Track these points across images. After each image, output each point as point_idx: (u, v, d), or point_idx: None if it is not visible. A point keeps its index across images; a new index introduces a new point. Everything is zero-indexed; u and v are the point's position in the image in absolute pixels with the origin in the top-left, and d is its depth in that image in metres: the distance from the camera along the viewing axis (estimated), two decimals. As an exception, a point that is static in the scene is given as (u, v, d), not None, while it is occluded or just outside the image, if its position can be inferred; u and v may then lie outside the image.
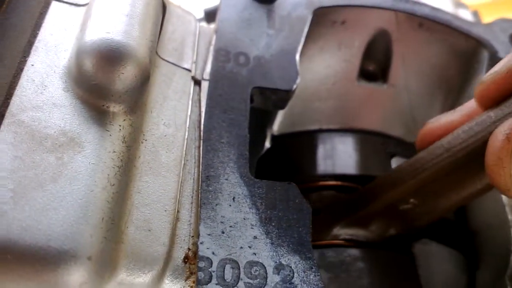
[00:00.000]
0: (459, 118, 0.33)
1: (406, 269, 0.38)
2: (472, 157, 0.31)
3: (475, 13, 0.60)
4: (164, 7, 0.34)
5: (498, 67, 0.30)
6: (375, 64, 0.49)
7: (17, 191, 0.24)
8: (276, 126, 0.48)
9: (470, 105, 0.34)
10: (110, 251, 0.25)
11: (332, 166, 0.45)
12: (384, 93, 0.48)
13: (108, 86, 0.28)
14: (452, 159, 0.32)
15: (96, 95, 0.28)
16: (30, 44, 0.29)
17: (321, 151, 0.46)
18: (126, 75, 0.28)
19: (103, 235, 0.24)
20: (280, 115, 0.47)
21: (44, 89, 0.28)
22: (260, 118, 0.43)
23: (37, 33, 0.30)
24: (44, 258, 0.23)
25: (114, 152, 0.27)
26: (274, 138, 0.47)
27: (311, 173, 0.45)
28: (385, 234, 0.39)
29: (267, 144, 0.47)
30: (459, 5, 0.61)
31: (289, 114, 0.47)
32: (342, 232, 0.39)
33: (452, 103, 0.47)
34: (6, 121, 0.26)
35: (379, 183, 0.38)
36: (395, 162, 0.44)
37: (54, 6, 0.32)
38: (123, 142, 0.28)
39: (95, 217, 0.24)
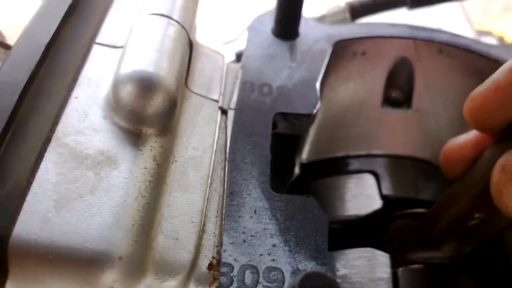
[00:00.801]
0: (474, 136, 0.34)
1: None
2: None
3: (501, 39, 0.62)
4: (191, 44, 0.38)
5: (487, 80, 0.30)
6: (399, 91, 0.50)
7: (59, 201, 0.27)
8: (304, 155, 0.50)
9: None
10: (140, 254, 0.27)
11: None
12: (410, 118, 0.50)
13: (140, 111, 0.31)
14: None
15: (130, 120, 0.32)
16: (74, 80, 0.34)
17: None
18: (156, 101, 0.32)
19: (134, 239, 0.27)
20: (308, 144, 0.50)
21: (86, 117, 0.32)
22: (287, 146, 0.45)
23: (81, 71, 0.35)
24: (80, 258, 0.26)
25: (146, 168, 0.30)
26: (302, 166, 0.49)
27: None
28: (460, 252, 0.39)
29: (297, 171, 0.49)
30: (483, 33, 0.63)
31: (316, 142, 0.50)
32: (416, 256, 0.40)
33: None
34: (52, 144, 0.30)
35: (440, 203, 0.38)
36: None
37: (96, 48, 0.36)
38: (154, 160, 0.31)
39: (127, 223, 0.27)
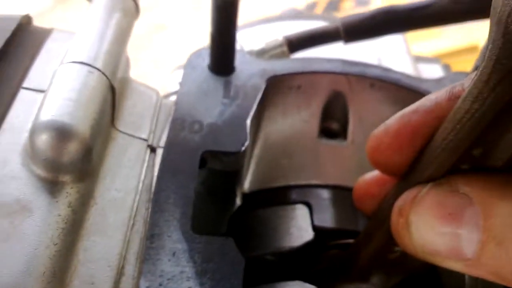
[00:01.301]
0: (378, 175, 0.35)
1: None
2: None
3: (446, 67, 0.64)
4: (113, 89, 0.39)
5: (382, 124, 0.31)
6: (335, 123, 0.52)
7: (-29, 251, 0.28)
8: (246, 185, 0.51)
9: None
10: (51, 302, 0.28)
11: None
12: (346, 149, 0.51)
13: (55, 160, 0.32)
14: None
15: (46, 168, 0.33)
16: (-2, 127, 0.35)
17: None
18: (70, 150, 0.33)
19: (44, 286, 0.28)
20: (249, 174, 0.51)
21: (5, 165, 0.33)
22: (224, 180, 0.46)
23: (5, 117, 0.36)
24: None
25: (59, 215, 0.31)
26: (245, 196, 0.50)
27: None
28: (388, 285, 0.40)
29: (238, 202, 0.50)
30: (430, 60, 0.65)
31: (258, 172, 0.51)
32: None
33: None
34: (-31, 193, 0.31)
35: (359, 237, 0.39)
36: None
37: (22, 93, 0.37)
38: (69, 206, 0.32)
39: (37, 271, 0.28)
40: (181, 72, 0.78)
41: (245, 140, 0.42)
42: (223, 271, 0.33)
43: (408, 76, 0.51)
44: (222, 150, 0.41)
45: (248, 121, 0.44)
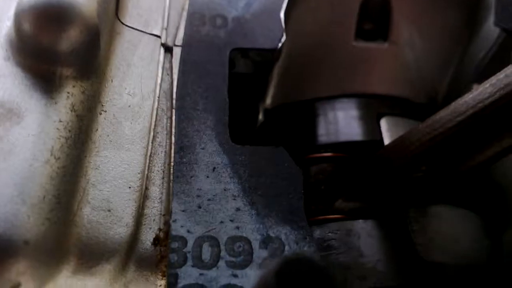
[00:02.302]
0: None
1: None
2: (500, 113, 0.28)
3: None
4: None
5: None
6: (373, 23, 0.44)
7: None
8: (269, 99, 0.43)
9: None
10: (57, 235, 0.21)
11: (335, 134, 0.41)
12: (386, 52, 0.44)
13: (50, 46, 0.24)
14: (477, 116, 0.29)
15: (38, 59, 0.25)
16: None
17: (321, 120, 0.42)
18: (70, 33, 0.25)
19: (45, 216, 0.20)
20: (272, 87, 0.43)
21: (-19, 60, 0.24)
22: (248, 89, 0.39)
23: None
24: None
25: (60, 121, 0.23)
26: (267, 112, 0.43)
27: (311, 144, 0.40)
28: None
29: (260, 118, 0.43)
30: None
31: (282, 84, 0.43)
32: (345, 205, 0.35)
33: (462, 54, 0.42)
34: None
35: (391, 148, 0.34)
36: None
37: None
38: (72, 110, 0.24)
39: (34, 196, 0.21)
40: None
41: (281, 35, 0.35)
42: (277, 185, 0.27)
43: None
44: (255, 47, 0.34)
45: (282, 14, 0.36)
